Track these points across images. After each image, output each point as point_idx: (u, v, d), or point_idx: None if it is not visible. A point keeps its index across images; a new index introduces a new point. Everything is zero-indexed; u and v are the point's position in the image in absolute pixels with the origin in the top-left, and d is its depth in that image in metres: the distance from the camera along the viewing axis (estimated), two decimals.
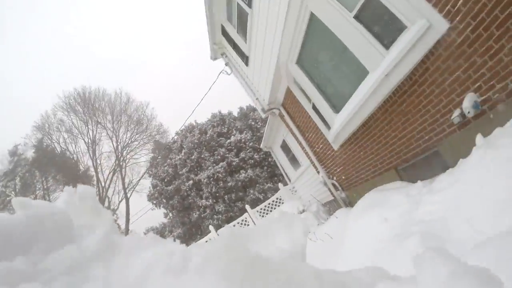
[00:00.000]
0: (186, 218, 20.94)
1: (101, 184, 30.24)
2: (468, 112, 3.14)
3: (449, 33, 3.09)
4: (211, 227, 13.49)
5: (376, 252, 3.12)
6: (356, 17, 3.90)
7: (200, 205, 20.06)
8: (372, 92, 4.09)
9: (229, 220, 16.95)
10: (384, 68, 3.74)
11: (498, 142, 2.54)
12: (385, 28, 3.66)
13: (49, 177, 30.36)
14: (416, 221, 2.97)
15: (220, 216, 19.23)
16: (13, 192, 29.57)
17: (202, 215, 20.03)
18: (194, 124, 23.34)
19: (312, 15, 4.62)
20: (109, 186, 30.23)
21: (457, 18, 2.97)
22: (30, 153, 30.47)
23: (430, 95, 3.61)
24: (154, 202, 22.45)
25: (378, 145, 4.92)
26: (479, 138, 2.86)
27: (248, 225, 12.95)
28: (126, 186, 30.11)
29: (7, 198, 29.32)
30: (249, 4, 6.19)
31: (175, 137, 23.79)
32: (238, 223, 13.12)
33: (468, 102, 3.12)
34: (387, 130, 4.56)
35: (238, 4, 6.63)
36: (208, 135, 21.74)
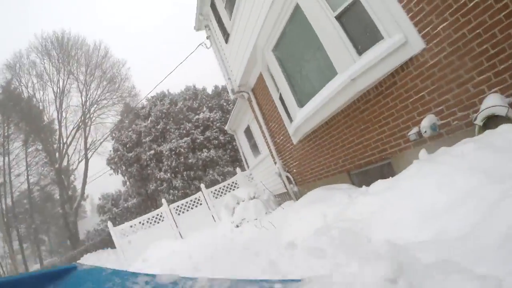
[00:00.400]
0: (143, 189, 20.17)
1: (62, 140, 28.55)
2: (425, 132, 3.13)
3: (423, 53, 3.05)
4: (164, 201, 13.19)
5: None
6: (338, 17, 3.80)
7: (158, 177, 19.35)
8: (336, 93, 4.02)
9: (184, 196, 16.44)
10: (352, 72, 3.67)
11: (439, 159, 2.55)
12: (362, 35, 3.57)
13: (11, 123, 27.99)
14: (344, 218, 2.96)
15: (177, 191, 18.68)
16: None
17: (159, 188, 19.39)
18: (166, 93, 22.34)
19: (297, 6, 4.46)
20: (70, 143, 28.67)
21: (434, 41, 2.92)
22: None
23: (393, 108, 3.58)
24: (113, 167, 21.34)
25: (335, 146, 4.90)
26: (422, 152, 2.88)
27: (201, 204, 12.75)
28: (88, 146, 28.56)
29: None
30: None
31: (145, 103, 22.62)
32: (191, 200, 12.88)
33: (427, 122, 3.11)
34: (346, 133, 4.54)
35: None
36: (178, 107, 20.92)
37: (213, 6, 7.63)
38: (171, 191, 18.89)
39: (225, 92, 21.78)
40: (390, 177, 3.19)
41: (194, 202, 12.80)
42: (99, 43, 30.16)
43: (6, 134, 27.74)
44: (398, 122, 3.56)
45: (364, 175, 4.49)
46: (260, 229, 6.22)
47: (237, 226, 7.77)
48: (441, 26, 2.82)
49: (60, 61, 28.57)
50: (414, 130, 3.30)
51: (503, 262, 1.50)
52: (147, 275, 1.05)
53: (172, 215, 12.56)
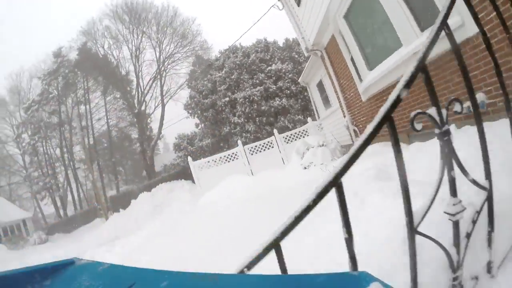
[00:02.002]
0: (217, 131, 21.92)
1: (140, 89, 31.97)
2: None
3: (478, 36, 3.40)
4: (239, 142, 14.64)
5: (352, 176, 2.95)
6: None
7: (232, 121, 21.00)
8: (400, 63, 4.58)
9: (255, 139, 18.04)
10: (414, 46, 4.18)
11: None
12: (425, 12, 4.05)
13: (90, 78, 31.96)
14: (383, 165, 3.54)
15: (249, 135, 20.24)
16: (55, 90, 31.96)
17: (232, 131, 21.07)
18: (238, 46, 23.69)
19: None
20: (147, 92, 32.07)
21: (487, 27, 3.21)
22: (73, 56, 32.03)
23: (448, 82, 4.00)
24: (190, 111, 23.63)
25: (398, 108, 5.43)
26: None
27: (272, 147, 14.10)
28: (164, 93, 31.68)
29: (50, 95, 31.80)
30: None
31: (218, 56, 24.21)
32: (264, 143, 14.27)
33: (478, 98, 3.49)
34: (408, 98, 5.06)
35: None
36: (250, 59, 21.93)
37: None
38: (244, 134, 20.58)
39: (296, 45, 22.39)
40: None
41: (267, 145, 14.25)
42: (167, 4, 32.10)
43: (86, 87, 32.19)
44: (452, 95, 3.85)
45: (419, 138, 5.06)
46: (324, 171, 7.11)
47: (305, 168, 8.86)
48: (494, 14, 3.09)
49: (132, 23, 31.01)
50: (466, 104, 3.31)
51: None
52: (147, 270, 1.01)
53: (246, 155, 14.13)
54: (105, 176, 35.07)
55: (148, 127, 32.64)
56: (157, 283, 0.88)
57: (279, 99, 20.42)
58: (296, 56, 22.52)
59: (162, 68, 31.67)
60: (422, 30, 4.13)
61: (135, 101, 31.72)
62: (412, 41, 4.28)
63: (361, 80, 6.35)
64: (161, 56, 31.54)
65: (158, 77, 31.60)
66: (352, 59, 6.52)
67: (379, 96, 6.08)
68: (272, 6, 9.09)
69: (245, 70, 21.69)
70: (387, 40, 4.97)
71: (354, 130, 7.96)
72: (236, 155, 14.34)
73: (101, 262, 1.11)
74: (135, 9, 30.87)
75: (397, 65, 4.72)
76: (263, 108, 20.40)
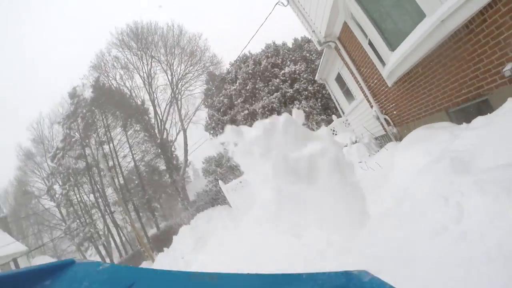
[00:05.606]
0: None
1: (158, 117, 33.45)
2: None
3: None
4: None
5: (417, 173, 3.74)
6: None
7: None
8: (427, 35, 4.49)
9: None
10: (440, 14, 4.11)
11: None
12: None
13: (108, 114, 33.39)
14: (450, 150, 3.50)
15: None
16: (76, 133, 33.05)
17: None
18: (248, 54, 24.52)
19: None
20: (166, 119, 33.36)
21: None
22: (88, 93, 33.17)
23: (485, 45, 3.89)
24: (211, 132, 24.49)
25: (431, 86, 5.36)
26: None
27: None
28: (182, 118, 32.87)
29: (73, 139, 32.82)
30: None
31: (229, 68, 25.19)
32: None
33: None
34: (440, 72, 4.97)
35: None
36: (262, 66, 22.92)
37: None
38: None
39: (306, 43, 23.75)
40: (488, 113, 3.78)
41: None
42: (171, 23, 35.13)
43: (105, 124, 33.34)
44: (492, 58, 3.85)
45: (462, 112, 5.01)
46: (366, 170, 6.67)
47: None
48: None
49: (140, 49, 32.56)
50: (509, 66, 3.51)
51: None
52: (147, 269, 1.09)
53: None
54: (142, 215, 35.75)
55: (174, 155, 34.11)
56: (156, 283, 0.99)
57: (298, 103, 20.85)
58: (308, 54, 23.37)
59: (177, 91, 32.70)
60: None
61: (156, 130, 32.96)
62: (437, 9, 4.21)
63: (383, 64, 6.24)
64: (174, 79, 32.98)
65: (174, 101, 32.48)
66: (370, 43, 6.43)
67: (406, 78, 5.97)
68: (277, 3, 9.31)
69: (258, 78, 22.75)
70: (408, 13, 4.91)
71: (385, 119, 7.96)
72: None
73: (101, 262, 1.19)
74: (140, 34, 32.38)
75: (423, 39, 4.59)
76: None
